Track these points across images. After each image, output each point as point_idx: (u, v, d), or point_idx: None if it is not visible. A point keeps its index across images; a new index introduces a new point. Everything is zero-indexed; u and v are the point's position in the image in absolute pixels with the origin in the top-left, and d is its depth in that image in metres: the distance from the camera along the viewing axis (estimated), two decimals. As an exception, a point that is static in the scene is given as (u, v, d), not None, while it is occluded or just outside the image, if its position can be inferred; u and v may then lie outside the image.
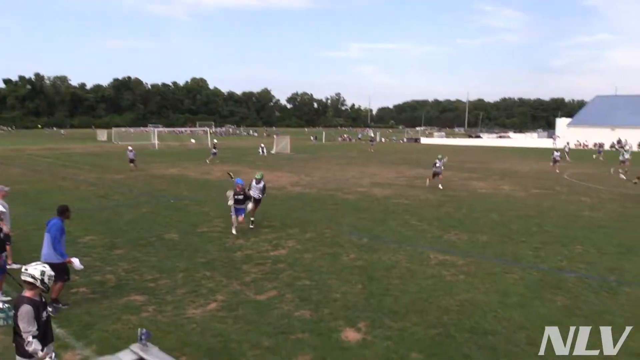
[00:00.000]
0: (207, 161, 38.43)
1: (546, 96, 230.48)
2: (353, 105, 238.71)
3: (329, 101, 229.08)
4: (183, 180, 26.94)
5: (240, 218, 14.26)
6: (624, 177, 21.96)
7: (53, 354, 4.98)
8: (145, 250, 12.36)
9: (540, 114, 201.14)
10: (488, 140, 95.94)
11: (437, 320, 8.21)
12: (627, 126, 77.57)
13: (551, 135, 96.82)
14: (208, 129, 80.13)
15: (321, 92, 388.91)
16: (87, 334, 7.52)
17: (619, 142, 72.30)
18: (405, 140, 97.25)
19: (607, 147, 70.54)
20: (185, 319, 8.17)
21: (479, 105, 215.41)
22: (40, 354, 4.81)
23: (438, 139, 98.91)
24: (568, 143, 53.35)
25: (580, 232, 15.16)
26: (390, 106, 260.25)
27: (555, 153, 36.71)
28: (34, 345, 4.76)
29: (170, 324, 7.96)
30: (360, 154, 53.44)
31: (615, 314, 8.67)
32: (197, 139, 76.71)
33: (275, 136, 66.45)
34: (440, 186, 24.36)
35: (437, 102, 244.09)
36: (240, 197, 14.19)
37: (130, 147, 33.64)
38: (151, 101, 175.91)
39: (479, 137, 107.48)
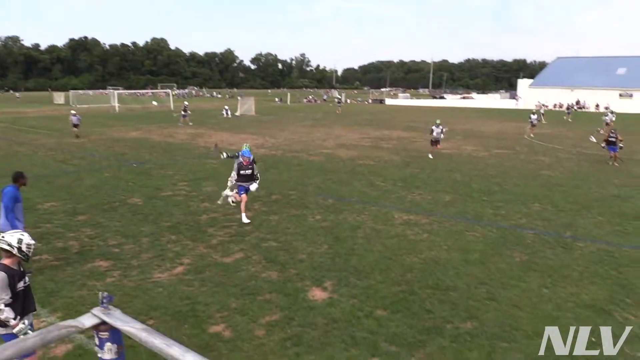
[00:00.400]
0: (190, 123, 38.28)
1: (509, 57, 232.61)
2: (318, 66, 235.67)
3: (294, 62, 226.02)
4: (145, 144, 26.41)
5: (244, 197, 12.07)
6: (595, 140, 22.30)
7: (26, 321, 4.91)
8: (108, 216, 12.18)
9: (502, 75, 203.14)
10: (452, 101, 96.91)
11: (401, 278, 8.44)
12: (586, 87, 79.31)
13: (513, 96, 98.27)
14: (170, 91, 78.12)
15: (286, 53, 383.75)
16: (51, 301, 7.45)
17: (578, 103, 74.04)
18: (370, 101, 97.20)
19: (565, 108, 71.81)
20: (152, 283, 8.16)
21: (443, 66, 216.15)
22: (12, 322, 4.73)
23: (403, 100, 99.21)
24: (543, 105, 53.47)
25: (539, 191, 15.65)
26: (356, 67, 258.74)
27: (532, 116, 35.05)
28: (5, 314, 4.68)
29: (137, 288, 7.94)
30: (326, 115, 53.27)
31: (570, 268, 9.08)
32: (159, 101, 74.88)
33: (239, 98, 65.37)
34: (430, 155, 22.42)
35: (402, 63, 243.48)
36: (248, 171, 12.18)
37: (74, 111, 31.34)
38: (110, 62, 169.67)
39: (442, 98, 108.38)
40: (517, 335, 6.61)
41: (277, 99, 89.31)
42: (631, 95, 75.96)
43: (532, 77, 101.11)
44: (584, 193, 15.46)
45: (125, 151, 23.55)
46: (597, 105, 74.66)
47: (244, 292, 7.82)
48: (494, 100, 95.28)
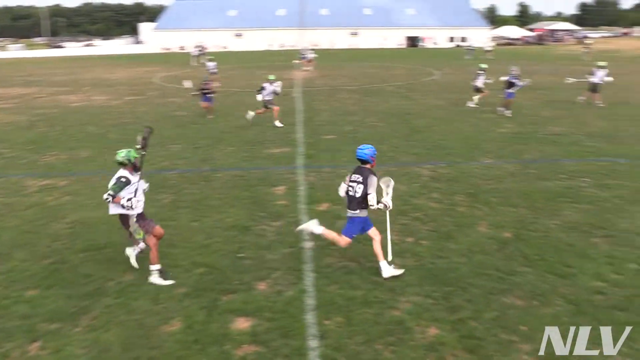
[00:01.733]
0: None
1: (129, 0, 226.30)
2: None
3: None
4: None
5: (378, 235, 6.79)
6: (190, 86, 20.70)
7: None
8: None
9: (124, 19, 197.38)
10: (73, 49, 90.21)
11: (49, 249, 7.77)
12: (206, 29, 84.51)
13: (137, 40, 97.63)
14: None
15: None
16: None
17: (201, 44, 78.42)
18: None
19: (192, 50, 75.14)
20: None
21: (57, 12, 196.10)
22: None
23: (16, 52, 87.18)
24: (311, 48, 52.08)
25: (174, 131, 16.37)
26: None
27: (304, 54, 39.59)
28: None
29: None
30: None
31: (212, 197, 10.02)
32: None
33: None
34: (277, 123, 17.06)
35: (7, 9, 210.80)
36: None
37: None
38: None
39: (60, 47, 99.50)
40: (177, 271, 6.99)
41: None
42: (241, 35, 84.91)
43: (154, 20, 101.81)
44: (215, 128, 16.89)
45: None
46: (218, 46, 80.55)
47: None
48: (119, 46, 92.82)
